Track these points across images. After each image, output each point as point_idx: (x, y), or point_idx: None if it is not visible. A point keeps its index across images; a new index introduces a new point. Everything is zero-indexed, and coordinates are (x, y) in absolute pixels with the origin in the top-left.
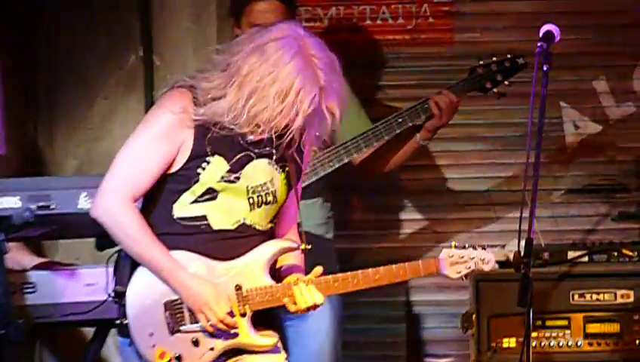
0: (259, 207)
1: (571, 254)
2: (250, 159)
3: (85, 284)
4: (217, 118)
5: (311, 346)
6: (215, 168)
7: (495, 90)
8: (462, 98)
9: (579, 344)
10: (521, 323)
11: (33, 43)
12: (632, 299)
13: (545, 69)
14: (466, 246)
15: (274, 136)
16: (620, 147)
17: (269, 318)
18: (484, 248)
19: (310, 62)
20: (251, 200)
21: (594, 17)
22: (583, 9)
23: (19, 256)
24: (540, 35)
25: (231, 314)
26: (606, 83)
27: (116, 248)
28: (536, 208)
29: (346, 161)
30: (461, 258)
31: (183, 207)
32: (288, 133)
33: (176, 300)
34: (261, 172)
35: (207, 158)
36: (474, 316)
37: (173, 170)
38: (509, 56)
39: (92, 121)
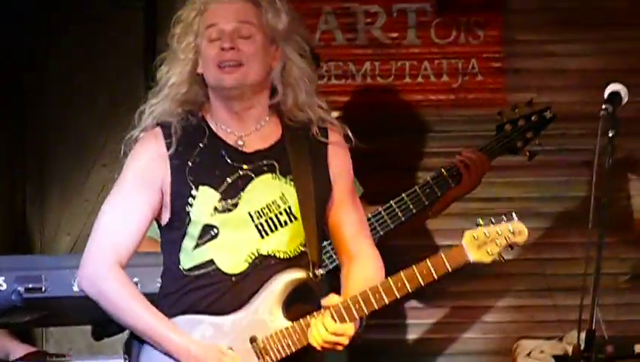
0: (273, 232)
1: (639, 348)
2: (249, 179)
3: None
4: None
5: None
6: (203, 201)
7: (527, 150)
8: (491, 161)
9: None
10: None
11: (20, 97)
12: None
13: (610, 135)
14: (492, 220)
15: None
16: None
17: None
18: (510, 218)
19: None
20: (260, 227)
21: None
22: None
23: (3, 343)
24: (605, 96)
25: None
26: None
27: (115, 336)
28: (599, 295)
29: None
30: (487, 236)
31: (188, 256)
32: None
33: None
34: (264, 190)
35: (192, 192)
36: None
37: (166, 218)
38: (534, 109)
39: (88, 191)
